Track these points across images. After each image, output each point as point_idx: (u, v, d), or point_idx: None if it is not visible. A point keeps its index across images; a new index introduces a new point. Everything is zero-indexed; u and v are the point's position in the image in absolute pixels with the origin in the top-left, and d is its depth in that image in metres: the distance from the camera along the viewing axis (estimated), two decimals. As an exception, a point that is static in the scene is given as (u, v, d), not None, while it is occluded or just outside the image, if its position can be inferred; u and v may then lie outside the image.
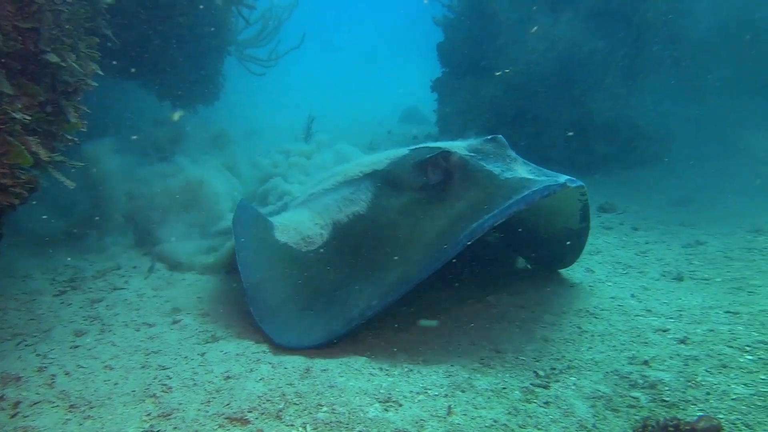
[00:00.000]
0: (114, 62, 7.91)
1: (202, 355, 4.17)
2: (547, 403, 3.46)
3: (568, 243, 5.06)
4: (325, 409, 3.40)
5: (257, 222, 5.04)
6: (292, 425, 3.29)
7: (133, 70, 9.44)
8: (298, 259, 4.61)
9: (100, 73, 4.96)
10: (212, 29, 10.32)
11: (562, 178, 4.05)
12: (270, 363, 3.97)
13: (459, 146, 4.71)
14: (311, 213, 5.07)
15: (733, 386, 3.46)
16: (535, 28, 10.55)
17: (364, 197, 4.78)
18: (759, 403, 3.26)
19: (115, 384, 3.76)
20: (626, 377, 3.68)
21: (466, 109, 12.14)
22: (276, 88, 24.77)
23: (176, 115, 10.68)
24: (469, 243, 3.83)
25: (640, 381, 3.62)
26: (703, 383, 3.54)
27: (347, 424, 3.24)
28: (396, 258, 4.19)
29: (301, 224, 4.95)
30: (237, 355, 4.14)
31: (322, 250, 4.65)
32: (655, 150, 11.85)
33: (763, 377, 3.53)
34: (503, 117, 11.54)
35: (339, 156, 10.30)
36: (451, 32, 13.65)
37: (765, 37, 10.39)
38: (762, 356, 3.79)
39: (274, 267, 4.54)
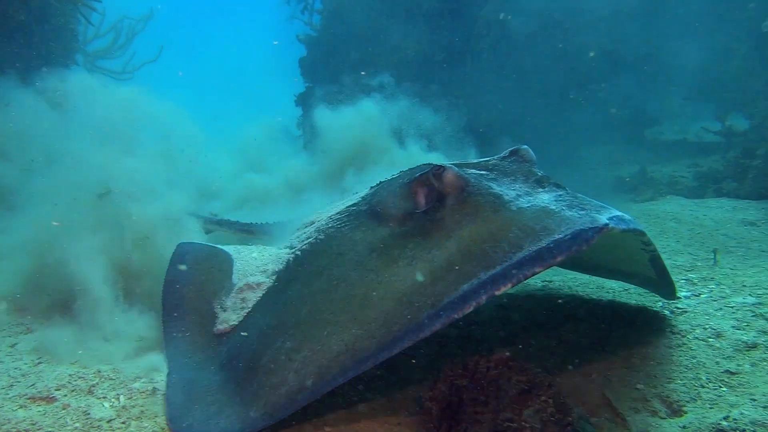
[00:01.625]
0: None
1: (13, 346, 3.85)
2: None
3: (652, 283, 4.05)
4: (143, 379, 3.28)
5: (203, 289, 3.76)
6: (104, 398, 3.13)
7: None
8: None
9: None
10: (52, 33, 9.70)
11: (604, 214, 2.78)
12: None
13: (472, 164, 3.62)
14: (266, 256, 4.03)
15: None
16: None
17: (333, 228, 3.62)
18: None
19: None
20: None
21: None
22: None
23: None
24: (456, 317, 2.59)
25: None
26: None
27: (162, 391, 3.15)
28: (350, 314, 2.91)
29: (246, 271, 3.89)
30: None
31: (260, 302, 3.55)
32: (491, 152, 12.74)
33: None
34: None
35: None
36: (313, 48, 13.96)
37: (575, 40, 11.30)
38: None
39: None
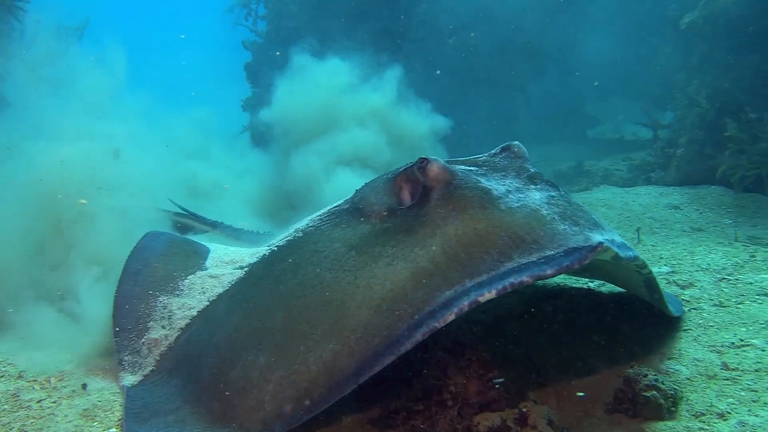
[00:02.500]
0: None
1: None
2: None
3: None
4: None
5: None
6: (34, 381, 3.14)
7: None
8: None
9: None
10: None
11: (597, 234, 2.59)
12: None
13: (460, 160, 3.42)
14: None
15: None
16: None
17: (312, 227, 3.40)
18: None
19: None
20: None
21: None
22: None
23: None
24: (437, 327, 2.40)
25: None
26: None
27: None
28: (327, 326, 2.67)
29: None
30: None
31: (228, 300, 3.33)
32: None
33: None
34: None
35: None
36: (259, 54, 13.98)
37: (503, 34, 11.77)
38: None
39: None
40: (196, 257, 3.83)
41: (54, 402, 2.99)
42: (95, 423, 2.86)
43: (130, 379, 3.06)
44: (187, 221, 6.26)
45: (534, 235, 2.59)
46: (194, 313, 3.30)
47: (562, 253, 2.47)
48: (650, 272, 3.31)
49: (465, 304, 2.38)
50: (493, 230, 2.66)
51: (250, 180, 9.36)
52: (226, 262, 3.71)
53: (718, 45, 8.09)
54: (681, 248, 5.44)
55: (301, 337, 2.67)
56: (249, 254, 3.71)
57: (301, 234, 3.40)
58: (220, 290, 3.40)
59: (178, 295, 3.46)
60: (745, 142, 7.12)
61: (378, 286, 2.68)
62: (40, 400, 3.00)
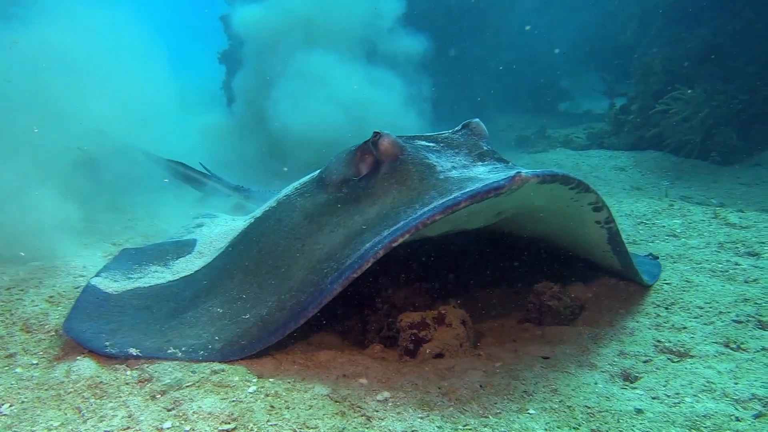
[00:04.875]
0: None
1: None
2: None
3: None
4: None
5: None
6: (3, 273, 3.44)
7: None
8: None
9: None
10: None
11: (523, 170, 2.56)
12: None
13: (424, 136, 3.53)
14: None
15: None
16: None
17: (285, 196, 3.66)
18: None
19: None
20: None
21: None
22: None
23: None
24: (355, 276, 2.61)
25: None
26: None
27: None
28: (271, 287, 3.02)
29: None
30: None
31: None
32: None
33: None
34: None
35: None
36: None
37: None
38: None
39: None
40: (188, 247, 4.13)
41: (21, 290, 3.32)
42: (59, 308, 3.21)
43: (96, 281, 3.35)
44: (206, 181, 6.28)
45: (461, 185, 2.74)
46: (173, 277, 3.62)
47: (480, 187, 2.55)
48: (615, 226, 3.25)
49: (380, 249, 2.57)
50: (424, 192, 2.86)
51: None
52: (210, 243, 4.07)
53: (673, 18, 8.51)
54: (614, 200, 5.91)
55: (250, 295, 3.03)
56: (233, 231, 4.04)
57: (275, 203, 3.67)
58: (202, 263, 3.74)
59: (166, 265, 3.81)
60: (688, 110, 7.59)
61: (318, 250, 2.98)
62: (9, 288, 3.33)
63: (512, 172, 2.50)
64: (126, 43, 7.49)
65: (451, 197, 2.61)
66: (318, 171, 3.65)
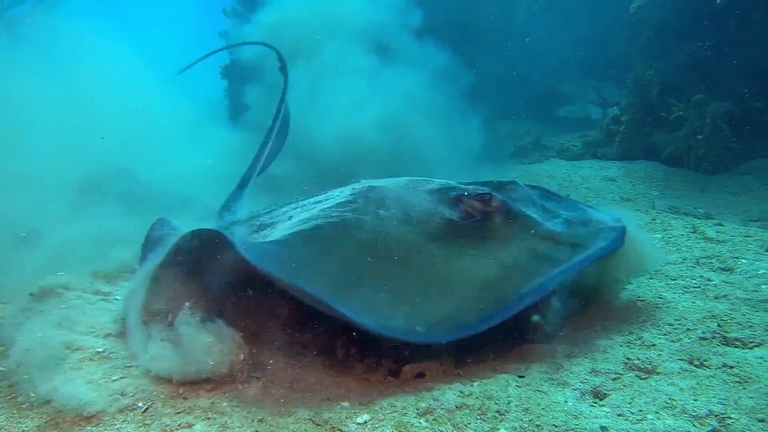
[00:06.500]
0: None
1: None
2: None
3: None
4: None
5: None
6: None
7: None
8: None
9: None
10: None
11: (610, 221, 3.81)
12: None
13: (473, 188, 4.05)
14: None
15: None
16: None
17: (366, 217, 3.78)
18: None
19: None
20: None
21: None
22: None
23: None
24: (534, 301, 3.19)
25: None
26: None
27: None
28: (434, 289, 3.33)
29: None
30: None
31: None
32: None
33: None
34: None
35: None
36: (239, 23, 14.19)
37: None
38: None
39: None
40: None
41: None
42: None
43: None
44: None
45: (574, 240, 3.63)
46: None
47: (611, 241, 3.52)
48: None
49: (556, 283, 3.28)
50: (552, 239, 3.66)
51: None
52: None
53: (664, 30, 8.65)
54: (601, 213, 6.05)
55: (416, 294, 3.26)
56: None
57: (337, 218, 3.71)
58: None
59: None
60: (678, 121, 7.74)
61: (472, 274, 3.43)
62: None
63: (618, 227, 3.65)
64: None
65: (602, 247, 3.49)
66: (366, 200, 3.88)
